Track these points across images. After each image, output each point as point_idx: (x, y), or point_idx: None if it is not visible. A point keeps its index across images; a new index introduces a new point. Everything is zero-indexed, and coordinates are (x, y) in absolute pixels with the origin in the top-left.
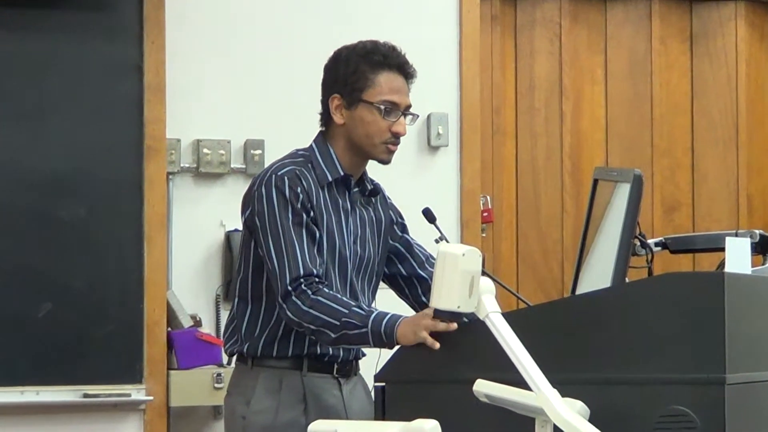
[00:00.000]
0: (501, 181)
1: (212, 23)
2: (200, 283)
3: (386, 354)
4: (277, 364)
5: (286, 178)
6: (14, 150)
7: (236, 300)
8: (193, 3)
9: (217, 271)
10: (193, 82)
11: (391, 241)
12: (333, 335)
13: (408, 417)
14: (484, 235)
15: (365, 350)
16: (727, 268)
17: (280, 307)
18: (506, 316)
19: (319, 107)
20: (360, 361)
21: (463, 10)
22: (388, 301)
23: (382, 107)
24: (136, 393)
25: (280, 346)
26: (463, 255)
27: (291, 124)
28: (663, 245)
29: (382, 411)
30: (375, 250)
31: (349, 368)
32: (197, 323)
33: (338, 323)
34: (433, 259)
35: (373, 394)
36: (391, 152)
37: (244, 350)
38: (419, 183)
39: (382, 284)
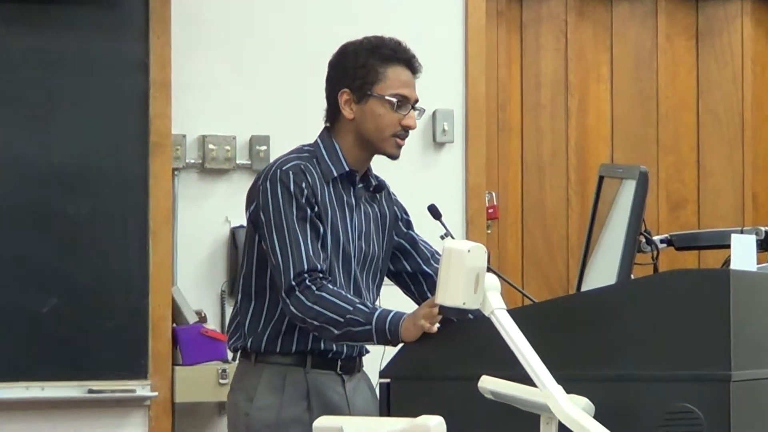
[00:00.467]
0: (506, 178)
1: (218, 19)
2: (205, 279)
3: (390, 351)
4: (280, 360)
5: (290, 172)
6: (20, 145)
7: (240, 295)
8: None
9: (223, 267)
10: (199, 78)
11: (396, 238)
12: (336, 332)
13: (413, 413)
14: (489, 231)
15: (369, 347)
16: (733, 265)
17: (284, 303)
18: (511, 312)
19: (324, 103)
20: (363, 358)
21: (468, 6)
22: (393, 298)
23: (394, 100)
24: (141, 389)
25: (283, 342)
26: (469, 251)
27: (296, 120)
28: (668, 242)
29: (387, 407)
30: (379, 246)
31: (352, 365)
32: (202, 319)
33: (342, 320)
34: (439, 255)
35: (378, 390)
36: (400, 146)
37: (248, 346)
38: (425, 179)
39: (387, 281)
